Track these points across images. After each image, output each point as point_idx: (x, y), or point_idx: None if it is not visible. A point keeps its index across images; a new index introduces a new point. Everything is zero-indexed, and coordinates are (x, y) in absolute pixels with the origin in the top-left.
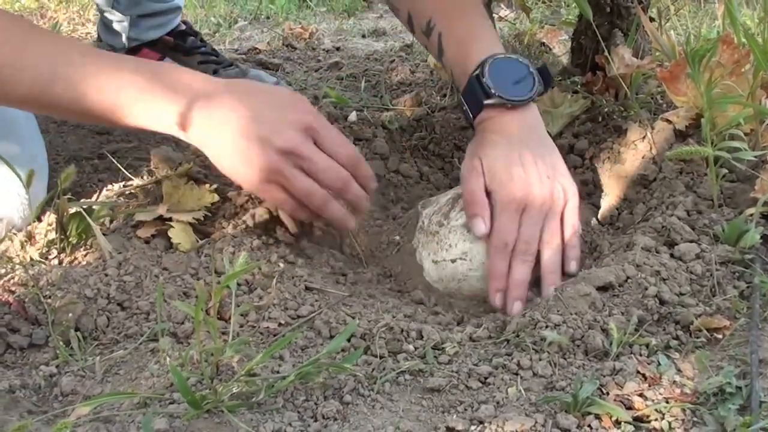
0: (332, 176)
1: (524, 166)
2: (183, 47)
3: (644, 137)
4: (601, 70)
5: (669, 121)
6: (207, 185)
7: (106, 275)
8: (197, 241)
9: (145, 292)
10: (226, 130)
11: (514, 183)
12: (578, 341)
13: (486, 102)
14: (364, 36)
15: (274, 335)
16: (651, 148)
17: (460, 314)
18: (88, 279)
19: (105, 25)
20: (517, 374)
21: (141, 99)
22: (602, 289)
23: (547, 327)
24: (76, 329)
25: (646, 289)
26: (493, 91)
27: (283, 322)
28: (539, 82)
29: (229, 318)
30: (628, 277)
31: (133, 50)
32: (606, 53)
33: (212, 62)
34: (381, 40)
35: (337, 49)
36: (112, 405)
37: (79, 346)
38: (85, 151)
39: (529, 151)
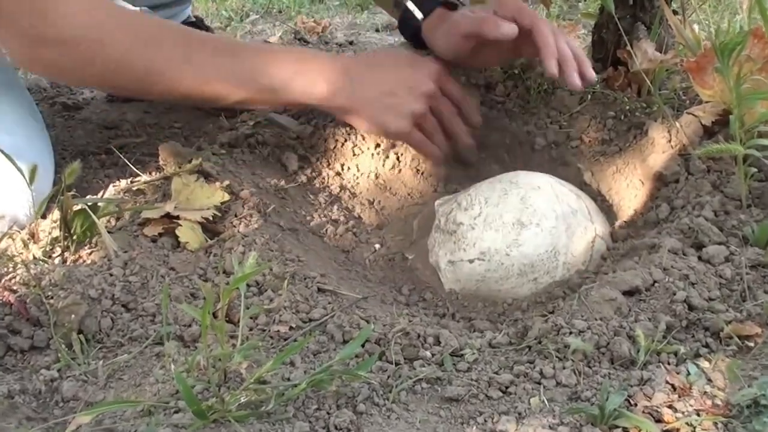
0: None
1: None
2: None
3: (669, 134)
4: (623, 65)
5: (695, 116)
6: (218, 183)
7: (111, 275)
8: (206, 241)
9: (151, 293)
10: (373, 89)
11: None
12: (603, 348)
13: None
14: (377, 30)
15: (285, 339)
16: (676, 145)
17: (478, 318)
18: (92, 279)
19: None
20: (539, 383)
21: (295, 76)
22: (628, 293)
23: (570, 333)
24: (79, 331)
25: (674, 293)
26: None
27: (294, 325)
28: None
29: (238, 321)
30: (655, 281)
31: None
32: (628, 47)
33: None
34: (395, 35)
35: (351, 43)
36: (114, 413)
37: (82, 349)
38: (92, 146)
39: None
